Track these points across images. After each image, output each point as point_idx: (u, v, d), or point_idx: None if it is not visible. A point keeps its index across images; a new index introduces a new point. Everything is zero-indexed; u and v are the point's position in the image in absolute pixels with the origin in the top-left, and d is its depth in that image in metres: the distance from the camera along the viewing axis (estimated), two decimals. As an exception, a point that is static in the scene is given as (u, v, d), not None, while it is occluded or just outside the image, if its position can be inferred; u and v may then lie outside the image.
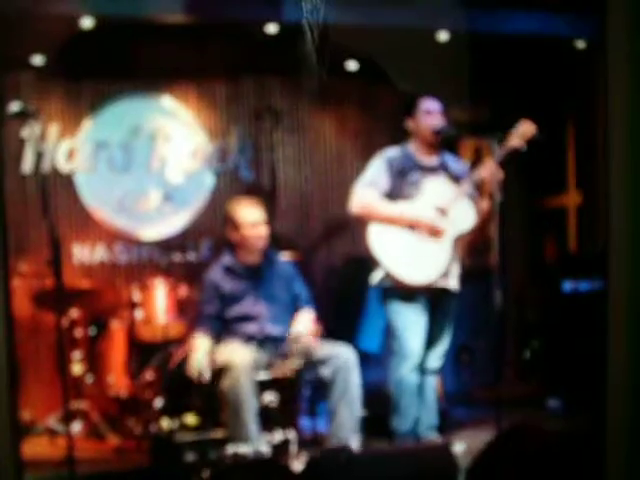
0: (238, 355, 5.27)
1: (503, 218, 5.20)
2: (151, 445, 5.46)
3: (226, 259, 5.63)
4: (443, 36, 6.68)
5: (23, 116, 5.28)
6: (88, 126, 6.96)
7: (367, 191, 5.39)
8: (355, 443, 5.31)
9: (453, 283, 5.44)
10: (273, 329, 5.53)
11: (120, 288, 6.73)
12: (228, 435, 5.14)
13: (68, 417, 5.38)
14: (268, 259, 5.67)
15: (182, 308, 6.31)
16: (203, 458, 5.08)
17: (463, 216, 5.37)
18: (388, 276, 5.32)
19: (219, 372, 5.24)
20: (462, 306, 5.57)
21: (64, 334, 5.60)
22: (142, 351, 6.24)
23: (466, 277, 5.55)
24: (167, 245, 7.11)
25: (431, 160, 5.51)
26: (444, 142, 5.57)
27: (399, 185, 5.39)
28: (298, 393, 5.53)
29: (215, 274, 5.60)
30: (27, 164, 6.69)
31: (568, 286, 6.95)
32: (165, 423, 5.34)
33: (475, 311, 6.02)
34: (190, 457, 5.08)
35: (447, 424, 5.92)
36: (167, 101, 7.18)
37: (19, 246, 6.59)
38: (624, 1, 2.54)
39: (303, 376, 5.44)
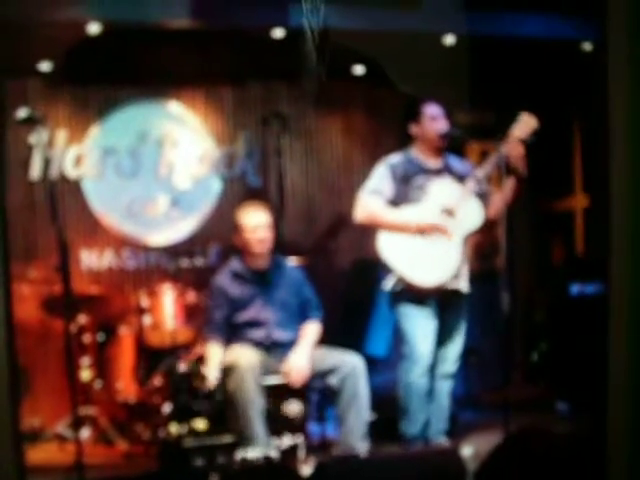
0: (243, 356, 5.27)
1: (510, 220, 5.21)
2: (160, 450, 5.46)
3: (234, 264, 5.63)
4: (449, 39, 6.68)
5: (31, 122, 5.30)
6: (96, 132, 6.97)
7: (371, 199, 5.39)
8: (363, 450, 5.31)
9: (463, 285, 5.45)
10: (281, 334, 5.53)
11: (128, 294, 6.74)
12: (236, 439, 5.14)
13: (77, 423, 5.39)
14: (276, 264, 5.67)
15: (190, 313, 6.31)
16: (212, 463, 5.08)
17: (471, 215, 5.37)
18: (400, 280, 5.32)
19: (224, 374, 5.25)
20: (470, 309, 5.58)
21: (72, 340, 5.61)
22: (150, 357, 6.25)
23: (474, 280, 5.56)
24: (175, 251, 7.11)
25: (435, 163, 5.51)
26: (450, 146, 5.57)
27: (404, 190, 5.39)
28: (307, 399, 5.53)
29: (223, 279, 5.60)
30: (35, 170, 6.71)
31: (575, 289, 6.95)
32: (173, 428, 5.35)
33: (483, 314, 6.02)
34: (199, 462, 5.09)
35: (455, 428, 5.91)
36: (174, 107, 7.19)
37: (27, 252, 6.61)
38: (625, 4, 2.54)
39: (311, 385, 5.44)
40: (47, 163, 6.71)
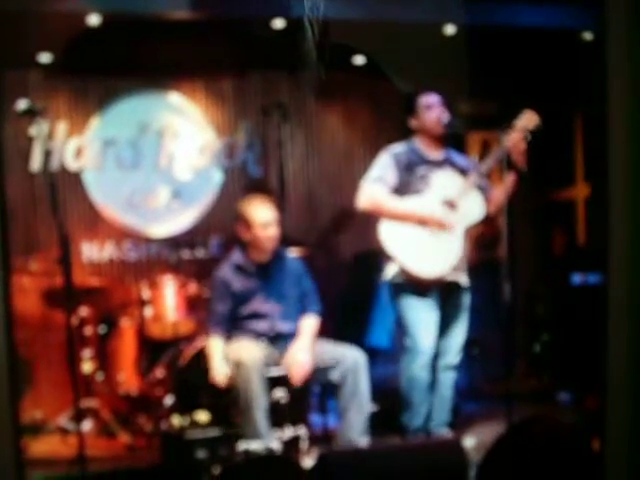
0: (248, 352, 5.26)
1: (512, 211, 5.20)
2: (162, 442, 5.46)
3: (236, 257, 5.60)
4: (450, 29, 6.66)
5: (31, 114, 5.28)
6: (96, 124, 6.96)
7: (375, 187, 5.38)
8: (364, 443, 5.30)
9: (465, 276, 5.44)
10: (284, 326, 5.51)
11: (129, 285, 6.73)
12: (239, 432, 5.14)
13: (79, 415, 5.38)
14: (278, 257, 5.64)
15: (192, 305, 6.31)
16: (214, 455, 5.08)
17: (472, 208, 5.37)
18: (402, 271, 5.31)
19: (230, 369, 5.24)
20: (471, 300, 5.57)
21: (74, 332, 5.60)
22: (152, 349, 6.25)
23: (475, 271, 5.55)
24: (176, 242, 7.10)
25: (437, 154, 5.51)
26: (452, 136, 5.57)
27: (407, 180, 5.39)
28: (308, 390, 5.53)
29: (225, 272, 5.57)
30: (35, 162, 6.70)
31: (577, 279, 6.95)
32: (176, 420, 5.35)
33: (484, 305, 6.00)
34: (201, 454, 5.09)
35: (458, 419, 5.91)
36: (175, 98, 7.18)
37: (28, 244, 6.60)
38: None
39: (312, 378, 5.43)
40: (47, 155, 6.70)
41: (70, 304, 5.38)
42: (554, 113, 5.70)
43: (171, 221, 7.16)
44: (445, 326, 5.44)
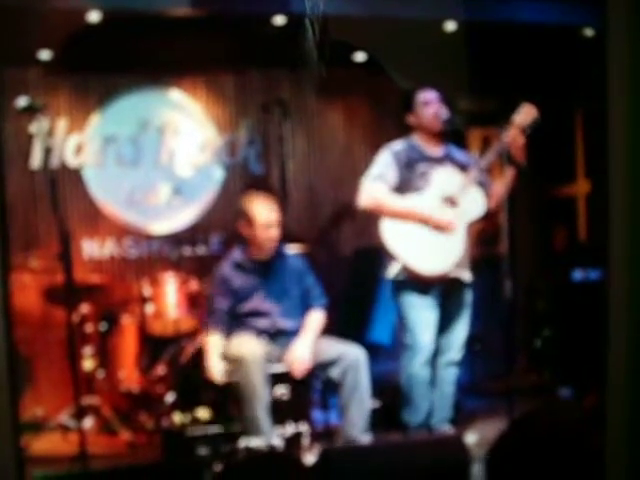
0: (249, 348, 5.26)
1: (513, 207, 5.20)
2: (163, 439, 5.47)
3: (236, 255, 5.60)
4: (450, 26, 6.66)
5: (31, 111, 5.29)
6: (96, 120, 6.95)
7: (375, 185, 5.37)
8: (366, 440, 5.31)
9: (466, 273, 5.44)
10: (285, 323, 5.51)
11: (130, 283, 6.72)
12: (240, 429, 5.14)
13: (80, 413, 5.38)
14: (278, 254, 5.64)
15: (193, 302, 6.30)
16: (215, 452, 5.09)
17: (473, 204, 5.37)
18: (404, 269, 5.31)
19: (231, 366, 5.24)
20: (473, 296, 5.57)
21: (75, 330, 5.60)
22: (153, 346, 6.25)
23: (476, 267, 5.55)
24: (177, 239, 7.10)
25: (437, 151, 5.50)
26: (452, 132, 5.57)
27: (407, 177, 5.38)
28: (310, 386, 5.53)
29: (225, 269, 5.57)
30: (36, 159, 6.69)
31: (578, 275, 6.95)
32: (177, 417, 5.36)
33: (486, 301, 6.01)
34: (202, 451, 5.10)
35: (459, 415, 5.91)
36: (175, 94, 7.18)
37: (29, 242, 6.59)
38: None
39: (314, 375, 5.44)
40: (48, 152, 6.68)
41: (71, 301, 5.39)
42: (554, 110, 5.71)
43: (172, 218, 7.15)
44: (447, 322, 5.44)
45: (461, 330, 5.51)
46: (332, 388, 5.56)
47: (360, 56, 7.19)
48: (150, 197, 7.09)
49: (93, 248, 6.96)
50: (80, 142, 6.88)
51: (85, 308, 6.30)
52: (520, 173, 5.31)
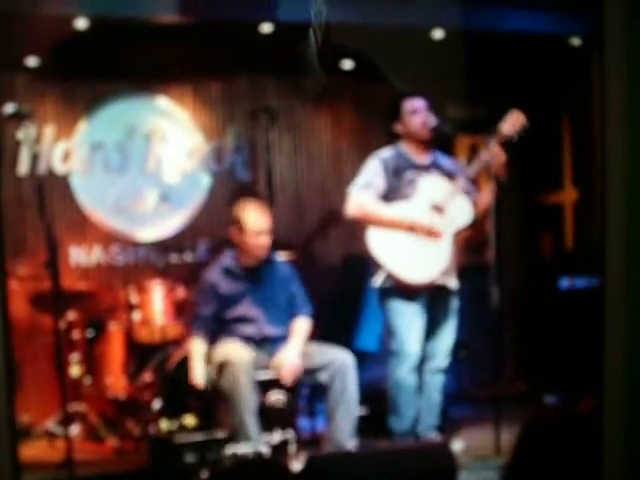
0: (236, 353, 5.27)
1: (500, 215, 5.22)
2: (150, 446, 5.46)
3: (225, 260, 5.61)
4: (439, 34, 6.67)
5: (18, 117, 5.28)
6: (84, 127, 6.94)
7: (363, 193, 5.38)
8: (352, 445, 5.31)
9: (453, 280, 5.45)
10: (271, 330, 5.52)
11: (117, 290, 6.69)
12: (227, 435, 5.14)
13: (67, 419, 5.38)
14: (267, 261, 5.65)
15: (180, 309, 6.30)
16: (202, 459, 5.07)
17: (460, 212, 5.38)
18: (390, 277, 5.32)
19: (217, 371, 5.24)
20: (459, 304, 5.58)
21: (62, 336, 5.60)
22: (140, 353, 6.23)
23: (463, 275, 5.56)
24: (164, 246, 7.09)
25: (424, 159, 5.52)
26: (440, 140, 5.58)
27: (395, 185, 5.39)
28: (297, 393, 5.53)
29: (213, 275, 5.58)
30: (23, 166, 6.68)
31: (565, 282, 6.96)
32: (164, 424, 5.34)
33: (472, 308, 6.02)
34: (189, 458, 5.08)
35: (446, 422, 5.91)
36: (162, 101, 7.17)
37: (16, 248, 6.56)
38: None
39: (301, 381, 5.44)
40: (35, 159, 6.67)
41: (58, 308, 5.38)
42: (542, 117, 5.72)
43: (159, 225, 7.13)
44: (434, 329, 5.45)
45: (448, 337, 5.52)
46: (319, 394, 5.57)
47: (348, 64, 7.19)
48: (137, 204, 7.08)
49: (80, 255, 6.93)
50: (67, 149, 6.86)
51: (72, 315, 6.28)
52: (501, 187, 5.33)
